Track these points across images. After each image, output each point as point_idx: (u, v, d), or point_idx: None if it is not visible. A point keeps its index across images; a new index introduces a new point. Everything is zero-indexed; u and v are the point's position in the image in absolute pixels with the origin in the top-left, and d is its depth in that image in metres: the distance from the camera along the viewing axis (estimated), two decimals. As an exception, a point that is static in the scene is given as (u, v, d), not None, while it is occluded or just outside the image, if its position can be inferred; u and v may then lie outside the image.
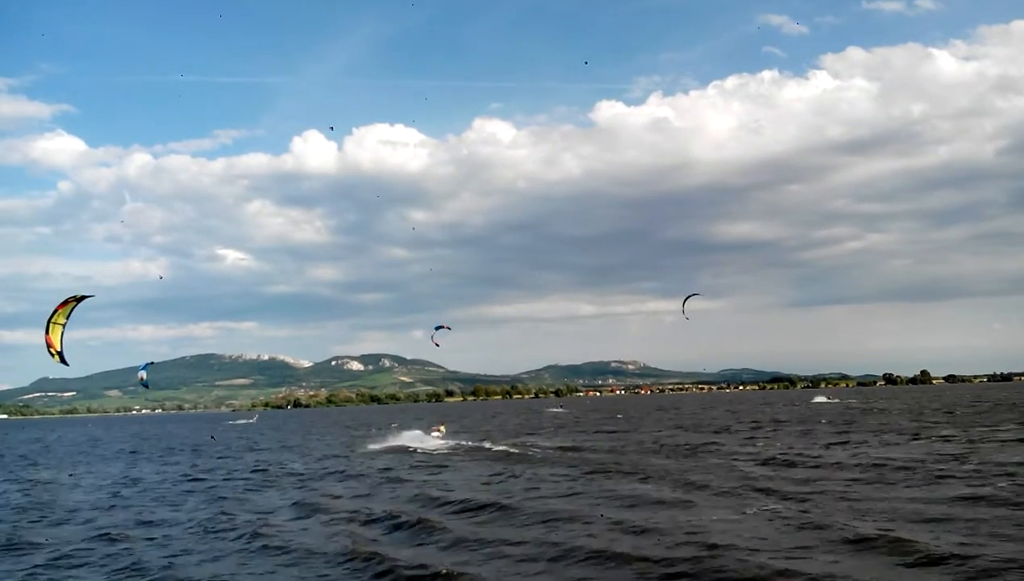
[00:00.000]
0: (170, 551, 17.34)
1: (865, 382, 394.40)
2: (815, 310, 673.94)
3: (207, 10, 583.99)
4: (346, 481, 29.27)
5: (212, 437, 74.86)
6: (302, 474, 32.73)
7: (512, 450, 40.38)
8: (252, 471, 35.55)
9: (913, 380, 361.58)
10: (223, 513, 22.03)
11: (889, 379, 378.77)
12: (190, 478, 33.34)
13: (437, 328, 56.04)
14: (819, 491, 20.88)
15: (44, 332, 22.58)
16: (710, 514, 18.17)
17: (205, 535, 19.04)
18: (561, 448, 40.39)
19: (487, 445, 44.95)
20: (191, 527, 20.18)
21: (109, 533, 19.65)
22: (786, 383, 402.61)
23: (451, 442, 47.55)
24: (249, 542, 17.81)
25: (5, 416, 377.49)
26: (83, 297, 23.09)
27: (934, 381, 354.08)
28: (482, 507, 20.62)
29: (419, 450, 43.21)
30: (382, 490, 25.92)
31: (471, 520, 19.20)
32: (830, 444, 35.82)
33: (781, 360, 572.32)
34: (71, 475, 37.78)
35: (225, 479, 32.22)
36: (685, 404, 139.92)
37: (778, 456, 30.63)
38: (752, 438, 42.20)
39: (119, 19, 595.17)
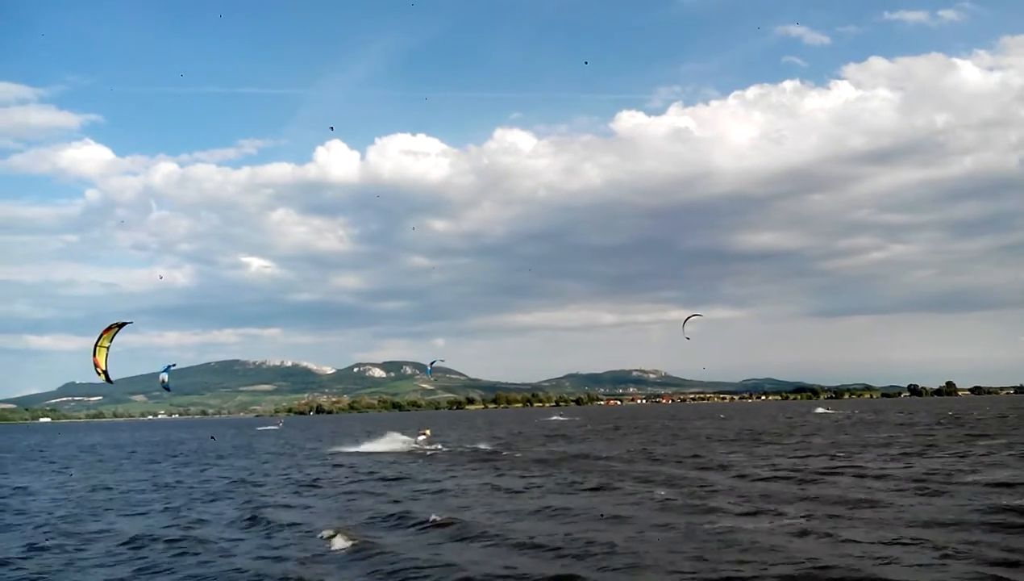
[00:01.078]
0: (77, 569, 16.76)
1: (890, 393, 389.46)
2: (838, 320, 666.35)
3: (232, 22, 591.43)
4: (309, 491, 28.81)
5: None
6: (267, 483, 32.35)
7: (486, 458, 41.98)
8: (223, 478, 35.21)
9: (939, 392, 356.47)
10: (165, 526, 21.52)
11: (914, 390, 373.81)
12: (157, 486, 32.91)
13: (431, 363, 59.08)
14: (772, 509, 19.86)
15: (92, 355, 26.23)
16: (648, 531, 17.40)
17: (128, 551, 18.40)
18: (539, 458, 40.63)
19: (464, 451, 47.64)
20: (119, 541, 19.56)
21: (34, 544, 19.34)
22: (809, 394, 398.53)
23: (431, 447, 51.39)
24: (168, 563, 17.06)
25: (47, 420, 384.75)
26: (123, 323, 26.68)
27: (960, 393, 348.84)
28: (430, 524, 19.85)
29: (399, 455, 46.41)
30: (340, 502, 25.48)
31: (417, 540, 18.35)
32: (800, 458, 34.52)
33: (804, 370, 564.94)
34: (56, 479, 37.51)
35: (192, 487, 31.82)
36: (695, 414, 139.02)
37: (751, 471, 29.59)
38: (744, 451, 41.08)
39: (145, 30, 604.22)
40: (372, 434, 69.03)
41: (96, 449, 73.19)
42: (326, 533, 18.90)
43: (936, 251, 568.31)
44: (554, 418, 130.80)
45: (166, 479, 36.53)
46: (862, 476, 27.25)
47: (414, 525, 20.18)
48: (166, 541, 19.19)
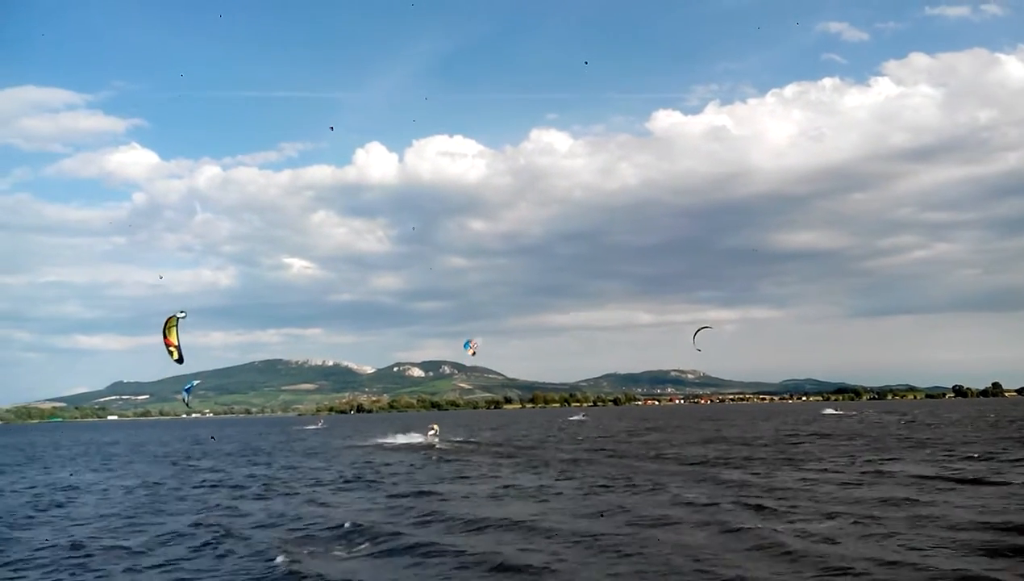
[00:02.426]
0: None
1: (934, 394, 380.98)
2: (881, 320, 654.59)
3: (273, 29, 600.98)
4: (277, 495, 27.57)
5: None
6: (248, 485, 31.25)
7: (482, 457, 42.50)
8: (200, 482, 34.08)
9: (984, 392, 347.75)
10: (96, 534, 20.52)
11: (959, 391, 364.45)
12: (130, 490, 31.69)
13: (468, 342, 59.22)
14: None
15: (163, 336, 28.18)
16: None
17: (35, 558, 17.29)
18: (536, 458, 40.15)
19: (463, 448, 50.86)
20: (34, 547, 18.48)
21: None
22: (851, 395, 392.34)
23: (437, 442, 56.33)
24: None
25: (115, 417, 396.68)
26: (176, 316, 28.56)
27: (1007, 394, 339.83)
28: (380, 535, 18.52)
29: (406, 449, 51.66)
30: (301, 508, 23.99)
31: (364, 557, 16.86)
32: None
33: (846, 371, 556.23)
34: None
35: (160, 490, 30.77)
36: (713, 414, 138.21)
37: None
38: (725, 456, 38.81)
39: (189, 37, 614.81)
40: (391, 431, 74.10)
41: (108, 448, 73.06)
42: (261, 548, 17.63)
43: (981, 250, 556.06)
44: (575, 418, 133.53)
45: (139, 481, 35.45)
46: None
47: (362, 539, 18.52)
48: (90, 553, 18.12)
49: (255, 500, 26.91)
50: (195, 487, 31.95)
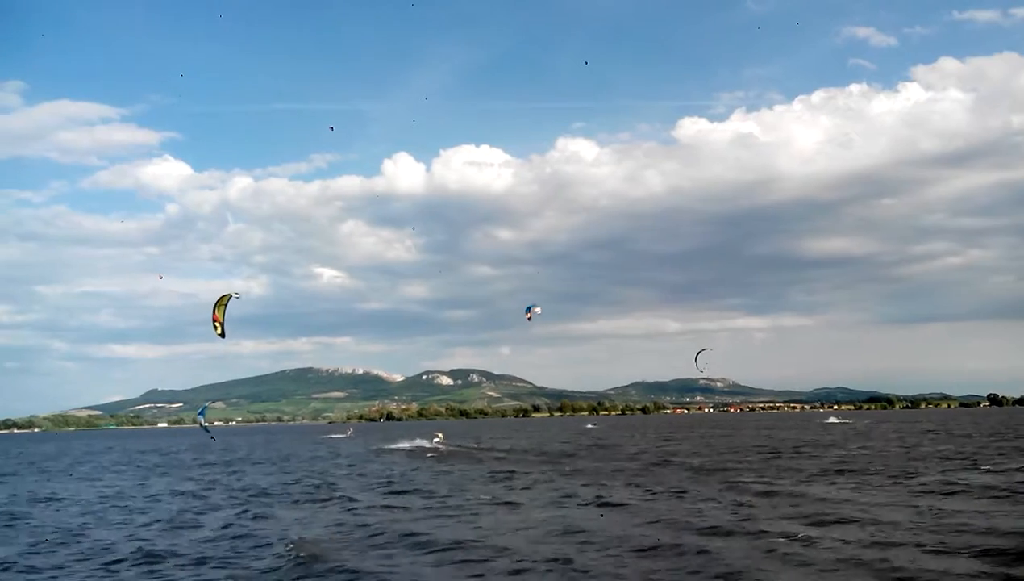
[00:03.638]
0: None
1: (968, 403, 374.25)
2: (913, 327, 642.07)
3: (302, 42, 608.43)
4: (230, 507, 26.96)
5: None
6: (213, 497, 30.83)
7: (471, 464, 41.79)
8: (174, 491, 33.93)
9: (1020, 401, 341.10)
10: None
11: (994, 400, 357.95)
12: (109, 502, 31.34)
13: (528, 309, 57.40)
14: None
15: (212, 312, 29.20)
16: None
17: None
18: (525, 466, 39.08)
19: (460, 453, 51.17)
20: None
21: None
22: (884, 403, 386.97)
23: (442, 447, 59.61)
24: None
25: (164, 424, 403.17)
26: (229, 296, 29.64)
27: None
28: (312, 558, 17.86)
29: (408, 453, 55.57)
30: (250, 523, 23.45)
31: None
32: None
33: (878, 379, 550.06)
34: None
35: (124, 501, 30.56)
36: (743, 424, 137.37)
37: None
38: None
39: (219, 51, 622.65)
40: (403, 437, 78.68)
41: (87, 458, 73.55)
42: (189, 571, 17.13)
43: (1015, 256, 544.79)
44: (587, 426, 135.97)
45: (116, 490, 35.61)
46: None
47: (291, 563, 17.76)
48: None
49: (211, 512, 26.75)
50: (162, 497, 31.91)
